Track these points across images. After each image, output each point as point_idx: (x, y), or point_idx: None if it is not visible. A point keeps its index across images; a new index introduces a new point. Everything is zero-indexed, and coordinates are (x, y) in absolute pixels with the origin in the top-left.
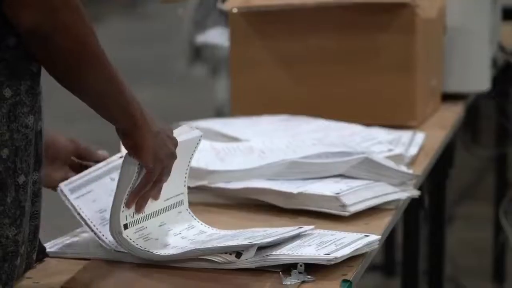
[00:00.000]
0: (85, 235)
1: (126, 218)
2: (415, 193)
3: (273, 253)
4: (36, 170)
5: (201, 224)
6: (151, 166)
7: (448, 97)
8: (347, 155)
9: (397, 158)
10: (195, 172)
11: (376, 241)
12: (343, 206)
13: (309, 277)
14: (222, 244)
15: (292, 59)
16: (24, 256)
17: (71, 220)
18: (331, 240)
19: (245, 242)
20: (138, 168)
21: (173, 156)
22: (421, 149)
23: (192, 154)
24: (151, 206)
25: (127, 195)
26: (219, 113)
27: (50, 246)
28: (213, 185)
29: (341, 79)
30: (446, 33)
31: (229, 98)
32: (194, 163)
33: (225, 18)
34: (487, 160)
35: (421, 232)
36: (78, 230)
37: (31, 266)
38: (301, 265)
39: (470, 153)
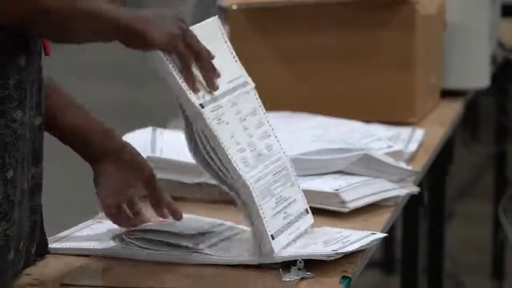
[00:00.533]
0: (85, 231)
1: (199, 99)
2: (415, 189)
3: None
4: (34, 165)
5: (261, 109)
6: (164, 41)
7: (448, 94)
8: (346, 152)
9: (396, 154)
10: (194, 168)
11: (378, 239)
12: (343, 202)
13: (308, 273)
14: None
15: (292, 56)
16: (22, 252)
17: (74, 216)
18: (338, 238)
19: (329, 250)
20: (164, 55)
21: (180, 20)
22: (421, 145)
23: (223, 34)
24: (223, 84)
25: (182, 82)
26: None
27: (50, 242)
28: (211, 182)
29: (341, 76)
30: (445, 29)
31: None
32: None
33: (225, 15)
34: (487, 157)
35: (421, 229)
36: (78, 226)
37: (30, 262)
38: (300, 262)
39: (469, 150)
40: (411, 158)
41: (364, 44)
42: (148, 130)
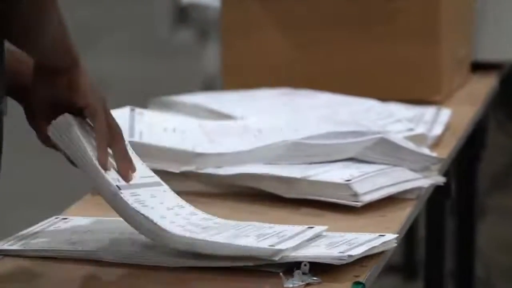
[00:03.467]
0: (51, 229)
1: (115, 181)
2: (440, 180)
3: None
4: None
5: (189, 205)
6: (90, 102)
7: (479, 67)
8: (359, 135)
9: (418, 138)
10: (180, 156)
11: (393, 240)
12: (355, 195)
13: (314, 278)
14: (237, 243)
15: (295, 23)
16: None
17: (41, 210)
18: (341, 241)
19: (264, 245)
20: (75, 120)
21: (105, 100)
22: (447, 128)
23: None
24: (135, 178)
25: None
26: (208, 87)
27: (9, 243)
28: (201, 171)
29: (352, 47)
30: None
31: (220, 68)
32: (179, 144)
33: None
34: None
35: (447, 227)
36: (43, 222)
37: None
38: (305, 265)
39: (505, 133)
40: (436, 143)
41: (380, 10)
42: (126, 110)
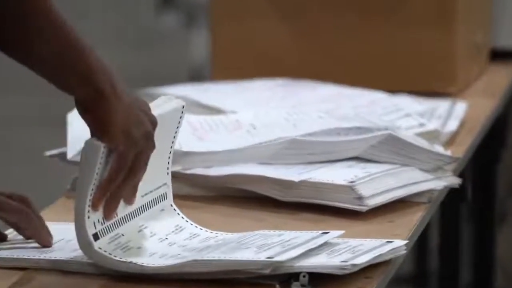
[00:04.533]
0: (20, 237)
1: (95, 226)
2: (455, 181)
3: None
4: None
5: (191, 224)
6: (121, 148)
7: (499, 56)
8: (364, 132)
9: (430, 135)
10: None
11: (402, 247)
12: (360, 198)
13: None
14: (230, 257)
15: (293, 7)
16: None
17: None
18: (344, 248)
19: (262, 257)
20: (103, 153)
21: (150, 138)
22: (463, 123)
23: (176, 132)
24: (126, 207)
25: (92, 192)
26: (196, 77)
27: None
28: (189, 171)
29: (357, 33)
30: None
31: (208, 57)
32: None
33: None
34: None
35: (463, 234)
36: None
37: None
38: (304, 276)
39: None
40: (450, 140)
41: None
42: None
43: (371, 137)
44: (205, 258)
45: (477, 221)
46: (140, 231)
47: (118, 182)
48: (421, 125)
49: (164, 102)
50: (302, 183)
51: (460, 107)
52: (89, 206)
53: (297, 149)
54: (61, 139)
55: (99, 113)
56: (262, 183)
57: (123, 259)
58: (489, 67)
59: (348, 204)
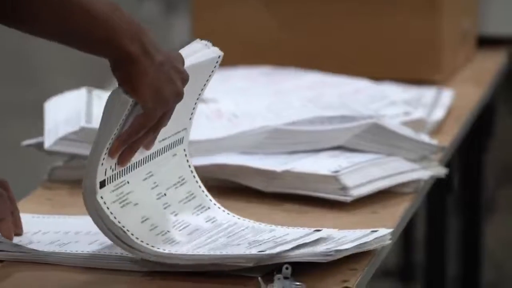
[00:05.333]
0: None
1: (105, 173)
2: (441, 171)
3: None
4: None
5: (195, 177)
6: (150, 107)
7: (486, 42)
8: (348, 121)
9: (416, 124)
10: None
11: (387, 236)
12: (344, 188)
13: (297, 283)
14: (220, 253)
15: None
16: None
17: None
18: (329, 239)
19: (253, 251)
20: (130, 107)
21: (180, 96)
22: (449, 112)
23: (208, 80)
24: (142, 152)
25: (111, 141)
26: None
27: None
28: None
29: (341, 19)
30: None
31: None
32: None
33: None
34: None
35: (450, 225)
36: None
37: None
38: (287, 268)
39: None
40: (436, 129)
41: None
42: (82, 92)
43: (355, 126)
44: (194, 253)
45: (464, 212)
46: (145, 179)
47: (139, 136)
48: (407, 113)
49: (200, 49)
50: (285, 173)
51: (447, 95)
52: (105, 154)
53: (280, 139)
54: (38, 129)
55: (128, 74)
56: (244, 173)
57: (114, 229)
58: (476, 55)
59: (332, 195)
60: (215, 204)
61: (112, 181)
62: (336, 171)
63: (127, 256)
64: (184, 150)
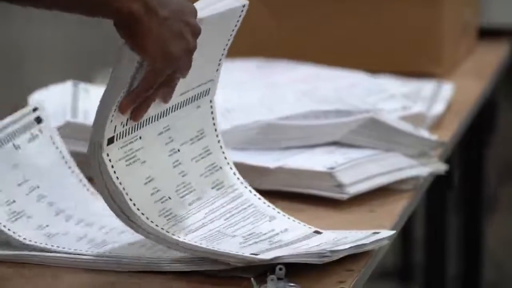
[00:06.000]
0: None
1: (115, 129)
2: (441, 167)
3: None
4: None
5: (215, 130)
6: (158, 66)
7: (488, 34)
8: (344, 115)
9: (415, 118)
10: None
11: (385, 239)
12: (340, 186)
13: (292, 284)
14: (213, 248)
15: None
16: None
17: None
18: (327, 240)
19: (246, 252)
20: (137, 64)
21: (191, 51)
22: (449, 106)
23: (234, 30)
24: (160, 105)
25: (120, 98)
26: None
27: None
28: None
29: (338, 10)
30: None
31: None
32: None
33: None
34: None
35: (450, 223)
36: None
37: None
38: (280, 269)
39: None
40: (436, 124)
41: None
42: (68, 86)
43: (351, 121)
44: (186, 241)
45: (464, 210)
46: (160, 133)
47: (150, 93)
48: (405, 107)
49: None
50: (278, 169)
51: (447, 89)
52: (114, 111)
53: (273, 134)
54: None
55: (132, 33)
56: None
57: (112, 189)
58: (477, 47)
59: (327, 192)
60: (228, 164)
61: (122, 137)
62: (332, 168)
63: (117, 255)
64: (210, 101)
